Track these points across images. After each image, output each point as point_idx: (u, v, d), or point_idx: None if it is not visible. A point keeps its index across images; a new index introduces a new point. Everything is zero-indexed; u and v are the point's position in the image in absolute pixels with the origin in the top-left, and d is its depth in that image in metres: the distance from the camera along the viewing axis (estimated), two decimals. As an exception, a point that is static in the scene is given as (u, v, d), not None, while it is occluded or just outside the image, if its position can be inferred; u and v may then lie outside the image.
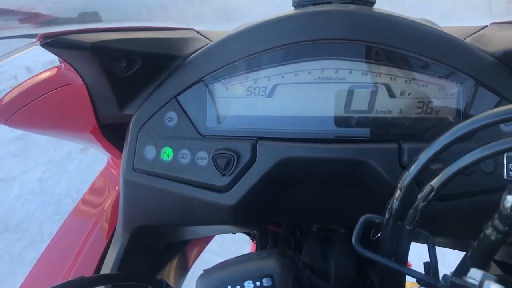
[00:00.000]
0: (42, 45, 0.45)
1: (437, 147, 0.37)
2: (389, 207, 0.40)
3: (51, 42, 0.45)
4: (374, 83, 0.51)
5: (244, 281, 0.41)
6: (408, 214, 0.39)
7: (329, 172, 0.52)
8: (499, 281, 0.32)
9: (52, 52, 0.48)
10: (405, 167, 0.42)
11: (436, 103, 0.50)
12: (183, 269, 0.85)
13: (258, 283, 0.41)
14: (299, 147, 0.51)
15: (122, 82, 0.56)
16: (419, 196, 0.38)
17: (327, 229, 0.64)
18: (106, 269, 0.63)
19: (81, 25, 0.53)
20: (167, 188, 0.55)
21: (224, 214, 0.54)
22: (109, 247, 0.67)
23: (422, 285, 0.39)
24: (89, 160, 2.52)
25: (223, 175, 0.53)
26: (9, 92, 0.62)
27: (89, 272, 0.67)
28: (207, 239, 0.97)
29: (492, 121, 0.35)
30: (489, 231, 0.35)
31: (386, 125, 0.51)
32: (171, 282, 0.75)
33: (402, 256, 0.41)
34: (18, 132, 2.75)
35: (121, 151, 0.67)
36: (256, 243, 0.79)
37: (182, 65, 0.57)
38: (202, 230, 0.64)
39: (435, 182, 0.37)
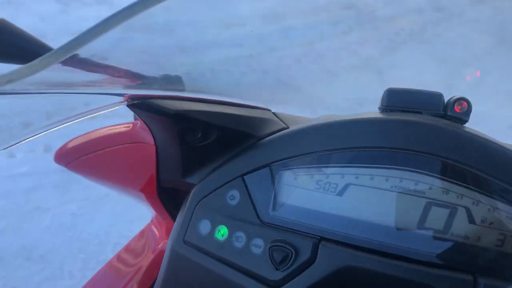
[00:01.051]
0: (128, 106, 0.45)
1: None
2: None
3: (137, 104, 0.45)
4: (454, 204, 0.48)
5: None
6: None
7: None
8: None
9: (135, 113, 0.48)
10: None
11: None
12: None
13: None
14: (365, 258, 0.48)
15: (193, 151, 0.55)
16: None
17: None
18: None
19: (164, 91, 0.53)
20: (215, 269, 0.53)
21: None
22: None
23: None
24: (125, 204, 2.52)
25: (277, 269, 0.49)
26: (77, 137, 0.63)
27: None
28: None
29: None
30: None
31: (461, 251, 0.47)
32: None
33: None
34: (64, 164, 2.80)
35: (172, 217, 0.65)
36: None
37: (255, 145, 0.55)
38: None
39: None
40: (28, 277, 2.19)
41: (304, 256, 0.49)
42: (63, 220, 2.48)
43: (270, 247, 0.50)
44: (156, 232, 0.82)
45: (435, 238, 0.48)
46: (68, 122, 0.47)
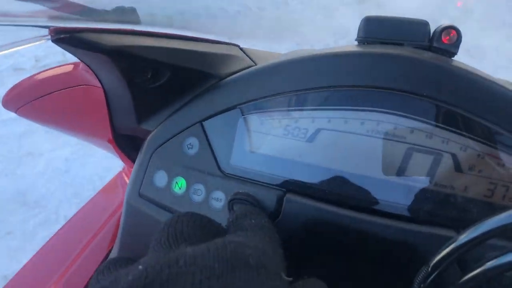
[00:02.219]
0: (53, 41, 0.38)
1: (466, 238, 0.30)
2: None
3: (63, 39, 0.38)
4: (438, 150, 0.42)
5: None
6: None
7: (362, 247, 0.43)
8: None
9: (67, 50, 0.41)
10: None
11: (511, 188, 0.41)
12: None
13: None
14: (333, 212, 0.42)
15: (145, 94, 0.48)
16: None
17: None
18: None
19: (109, 24, 0.46)
20: None
21: None
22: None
23: None
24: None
25: None
26: (22, 81, 0.56)
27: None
28: None
29: None
30: None
31: (445, 204, 0.41)
32: None
33: None
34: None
35: None
36: None
37: (216, 86, 0.49)
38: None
39: None
40: (24, 221, 2.19)
41: (268, 210, 0.44)
42: (57, 165, 2.45)
43: (230, 200, 0.44)
44: (127, 180, 0.77)
45: (416, 188, 0.42)
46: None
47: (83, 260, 0.66)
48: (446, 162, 0.42)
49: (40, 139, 2.58)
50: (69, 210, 2.25)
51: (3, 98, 0.60)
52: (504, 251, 0.30)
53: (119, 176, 0.82)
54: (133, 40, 0.43)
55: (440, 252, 0.32)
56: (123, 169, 0.82)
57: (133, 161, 0.62)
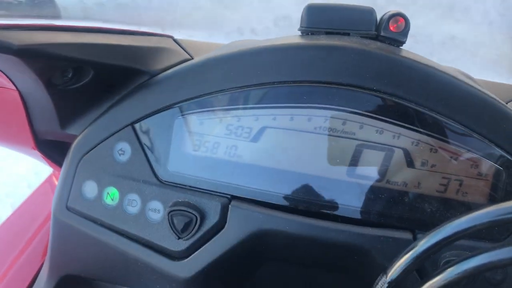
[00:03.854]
0: None
1: (424, 246, 0.29)
2: None
3: None
4: (389, 145, 0.39)
5: None
6: None
7: (315, 255, 0.40)
8: None
9: None
10: None
11: (465, 182, 0.39)
12: None
13: None
14: (282, 219, 0.39)
15: (67, 95, 0.43)
16: None
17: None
18: None
19: (26, 19, 0.40)
20: (105, 239, 0.43)
21: (174, 287, 0.42)
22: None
23: None
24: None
25: (179, 238, 0.40)
26: None
27: None
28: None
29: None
30: None
31: (398, 202, 0.39)
32: None
33: None
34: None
35: None
36: None
37: (147, 84, 0.44)
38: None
39: None
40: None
41: (212, 220, 0.40)
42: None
43: (169, 212, 0.40)
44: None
45: (368, 187, 0.40)
46: None
47: (12, 275, 0.60)
48: (398, 158, 0.39)
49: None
50: (2, 211, 2.11)
51: None
52: (462, 257, 0.28)
53: (48, 180, 0.76)
54: (48, 36, 0.37)
55: (397, 261, 0.30)
56: (53, 172, 0.75)
57: (52, 165, 0.56)
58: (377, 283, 0.31)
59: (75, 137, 0.46)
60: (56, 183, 0.72)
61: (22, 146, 0.53)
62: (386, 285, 0.31)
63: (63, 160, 0.52)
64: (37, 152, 0.52)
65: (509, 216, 0.26)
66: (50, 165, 0.58)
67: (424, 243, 0.29)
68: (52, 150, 0.52)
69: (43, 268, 0.52)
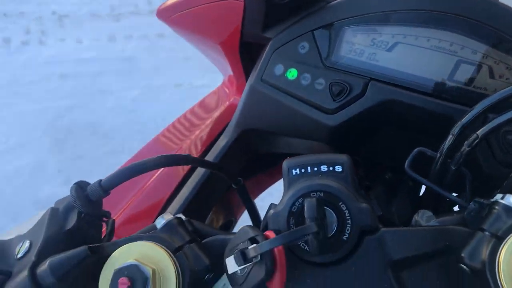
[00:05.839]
0: None
1: (489, 101, 0.51)
2: (441, 147, 0.53)
3: None
4: (479, 62, 0.61)
5: (320, 165, 0.52)
6: (456, 155, 0.51)
7: (422, 121, 0.63)
8: None
9: None
10: None
11: None
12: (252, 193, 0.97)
13: (331, 168, 0.50)
14: (403, 94, 0.62)
15: (274, 8, 0.69)
16: (466, 142, 0.50)
17: (396, 180, 0.75)
18: (210, 157, 0.77)
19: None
20: (284, 100, 0.68)
21: (323, 132, 0.66)
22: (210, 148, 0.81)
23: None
24: (180, 96, 2.74)
25: (334, 100, 0.65)
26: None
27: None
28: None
29: None
30: None
31: (477, 98, 0.61)
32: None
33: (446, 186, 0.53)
34: (127, 53, 3.02)
35: (245, 72, 0.80)
36: None
37: (324, 7, 0.69)
38: (297, 144, 0.76)
39: (480, 131, 0.49)
40: (94, 149, 2.47)
41: (357, 90, 0.64)
42: (125, 103, 2.72)
43: (330, 83, 0.65)
44: (227, 91, 0.99)
45: (460, 88, 0.62)
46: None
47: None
48: (484, 71, 0.61)
49: (111, 79, 2.86)
50: (132, 144, 2.51)
51: (158, 9, 0.82)
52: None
53: (218, 89, 1.04)
54: None
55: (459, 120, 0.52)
56: (223, 83, 1.03)
57: (244, 68, 0.83)
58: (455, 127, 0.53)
59: (269, 39, 0.72)
60: (226, 91, 1.00)
61: (225, 46, 0.80)
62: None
63: (248, 62, 0.80)
64: (228, 53, 0.80)
65: None
66: (234, 66, 0.85)
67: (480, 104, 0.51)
68: (245, 53, 0.79)
69: (228, 126, 0.79)
